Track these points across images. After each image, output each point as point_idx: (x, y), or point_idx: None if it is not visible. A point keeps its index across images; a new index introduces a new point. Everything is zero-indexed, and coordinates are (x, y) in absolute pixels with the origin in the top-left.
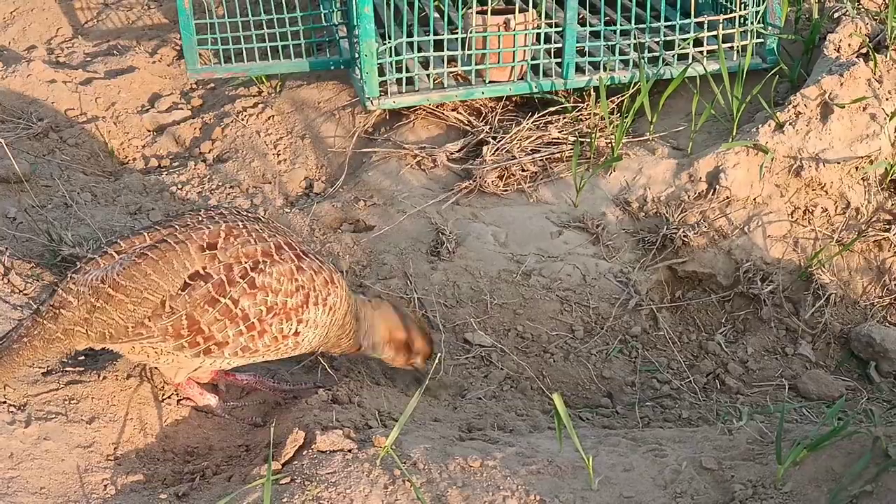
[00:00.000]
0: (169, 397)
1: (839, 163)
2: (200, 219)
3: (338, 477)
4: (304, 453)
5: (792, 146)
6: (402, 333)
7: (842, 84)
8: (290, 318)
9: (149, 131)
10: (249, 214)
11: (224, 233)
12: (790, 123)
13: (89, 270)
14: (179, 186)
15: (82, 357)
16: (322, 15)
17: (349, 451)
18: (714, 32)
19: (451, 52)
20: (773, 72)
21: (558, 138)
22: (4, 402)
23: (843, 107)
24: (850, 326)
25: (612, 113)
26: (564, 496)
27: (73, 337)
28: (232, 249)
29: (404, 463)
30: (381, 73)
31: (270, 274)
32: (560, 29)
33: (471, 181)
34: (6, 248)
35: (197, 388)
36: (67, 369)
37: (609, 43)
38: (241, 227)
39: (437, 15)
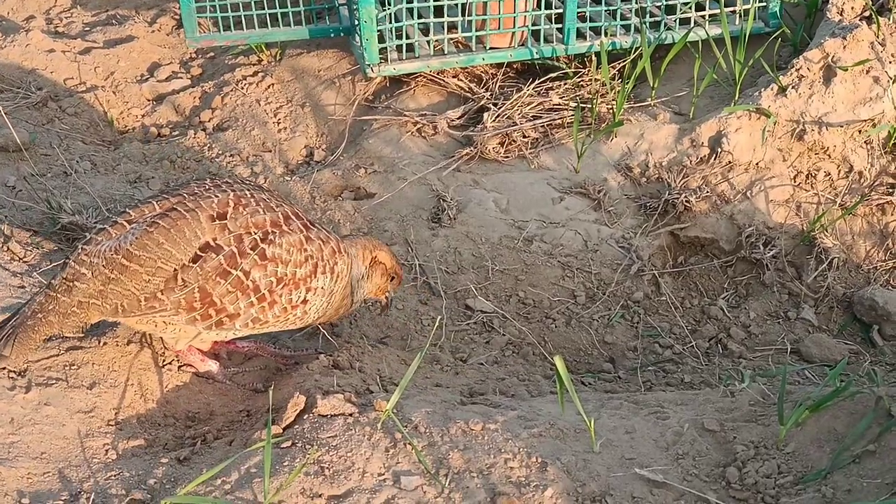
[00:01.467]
0: (169, 363)
1: (842, 126)
2: (208, 187)
3: (339, 440)
4: (304, 417)
5: (795, 110)
6: (381, 253)
7: (845, 47)
8: (298, 288)
9: (148, 100)
10: (253, 184)
11: (233, 202)
12: (793, 87)
13: (101, 241)
14: (179, 155)
15: None
16: None
17: (350, 415)
18: None
19: (451, 19)
20: (775, 35)
21: (559, 104)
22: (4, 368)
23: (846, 70)
24: (852, 290)
25: (613, 78)
26: (566, 458)
27: (87, 310)
28: (241, 219)
29: (405, 426)
30: (381, 39)
31: (280, 245)
32: None
33: (472, 148)
34: (6, 217)
35: (198, 355)
36: (67, 335)
37: (610, 8)
38: (249, 196)
39: None
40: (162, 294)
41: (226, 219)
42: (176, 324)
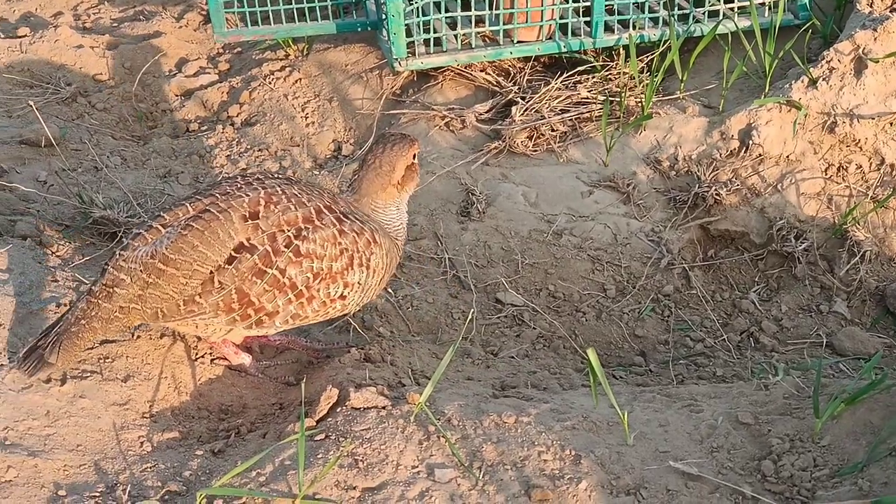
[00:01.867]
0: (202, 356)
1: (873, 118)
2: (239, 185)
3: (372, 433)
4: (337, 410)
5: (825, 102)
6: (407, 156)
7: (875, 39)
8: (335, 282)
9: (176, 96)
10: (284, 177)
11: (264, 200)
12: (823, 79)
13: (137, 246)
14: (208, 150)
15: None
16: None
17: (383, 407)
18: None
19: (478, 12)
20: (805, 27)
21: (587, 98)
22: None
23: (878, 61)
24: (885, 283)
25: (641, 71)
26: (600, 451)
27: (129, 314)
28: (273, 217)
29: (438, 419)
30: (409, 33)
31: (314, 240)
32: None
33: (500, 141)
34: (38, 211)
35: (232, 348)
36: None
37: (638, 0)
38: (280, 192)
39: None
40: (200, 297)
41: (258, 218)
42: (216, 325)
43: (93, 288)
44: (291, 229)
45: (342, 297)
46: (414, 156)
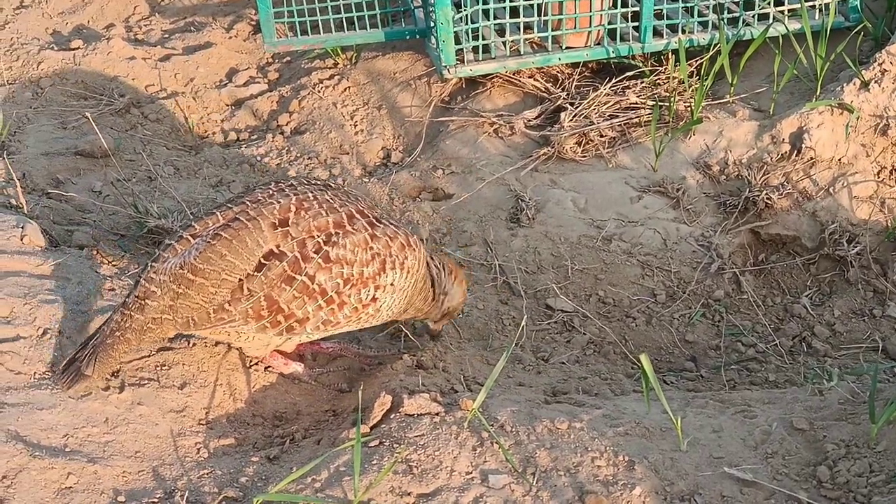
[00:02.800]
0: (256, 364)
1: None
2: (271, 193)
3: (426, 439)
4: (391, 417)
5: (878, 104)
6: (460, 274)
7: None
8: (367, 287)
9: (227, 105)
10: (319, 184)
11: (294, 206)
12: (875, 81)
13: (168, 258)
14: (258, 159)
15: None
16: None
17: (436, 414)
18: None
19: (526, 19)
20: (856, 30)
21: (636, 103)
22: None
23: None
24: None
25: (691, 76)
26: (653, 457)
27: (161, 325)
28: (304, 224)
29: (492, 426)
30: (457, 41)
31: (344, 246)
32: None
33: (549, 147)
34: (94, 221)
35: (281, 359)
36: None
37: (687, 4)
38: (312, 198)
39: None
40: (229, 305)
41: (287, 225)
42: (247, 333)
43: (126, 300)
44: (321, 235)
45: (374, 299)
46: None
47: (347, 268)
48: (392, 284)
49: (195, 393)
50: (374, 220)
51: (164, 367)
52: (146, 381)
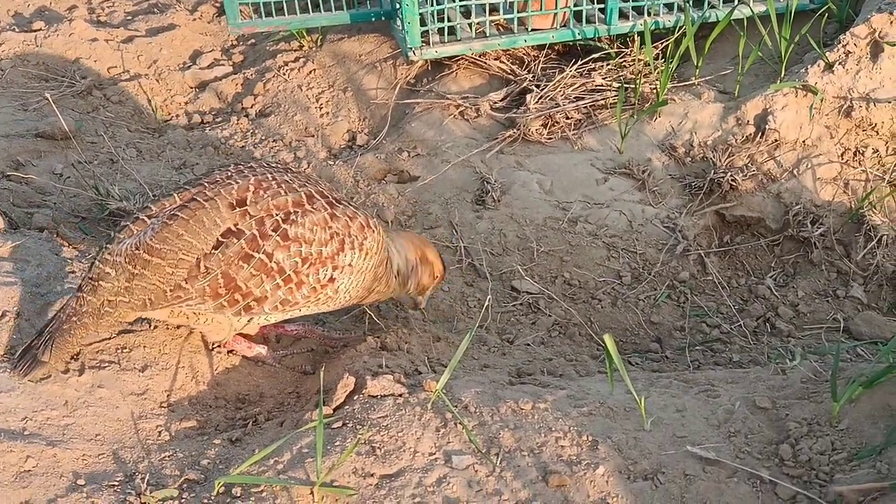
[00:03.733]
0: (219, 347)
1: (890, 102)
2: (229, 174)
3: (389, 420)
4: (354, 398)
5: (842, 86)
6: (431, 252)
7: (891, 22)
8: (325, 266)
9: (191, 88)
10: (279, 166)
11: (253, 187)
12: (840, 63)
13: (123, 239)
14: (223, 141)
15: None
16: None
17: (400, 395)
18: None
19: (492, 1)
20: (820, 12)
21: (602, 85)
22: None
23: (894, 45)
24: None
25: (656, 58)
26: (617, 436)
27: (117, 307)
28: (262, 203)
29: (455, 407)
30: (423, 23)
31: (303, 224)
32: None
33: (515, 130)
34: (55, 203)
35: (244, 343)
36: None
37: None
38: (271, 179)
39: None
40: (186, 283)
41: (246, 204)
42: (206, 314)
43: (81, 284)
44: (280, 213)
45: (332, 279)
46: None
47: (306, 246)
48: (350, 265)
49: (156, 376)
50: (334, 201)
51: (125, 350)
52: (107, 364)
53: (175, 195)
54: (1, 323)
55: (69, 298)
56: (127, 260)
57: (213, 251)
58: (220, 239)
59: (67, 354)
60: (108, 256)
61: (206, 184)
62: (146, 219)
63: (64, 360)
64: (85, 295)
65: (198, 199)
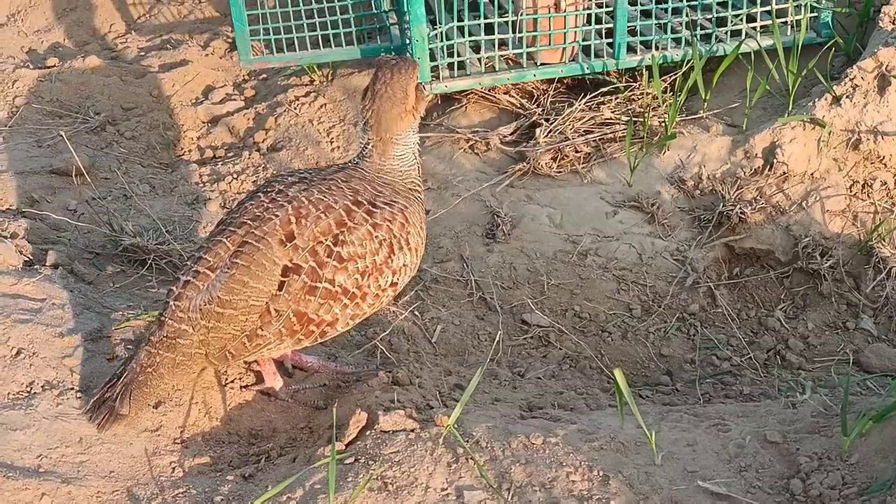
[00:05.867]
0: (232, 381)
1: None
2: (265, 206)
3: (401, 456)
4: (367, 434)
5: (849, 119)
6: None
7: None
8: (383, 273)
9: (203, 123)
10: (297, 180)
11: (294, 217)
12: (847, 96)
13: (192, 295)
14: (235, 176)
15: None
16: (372, 2)
17: (412, 430)
18: (767, 7)
19: (501, 36)
20: (828, 45)
21: (611, 119)
22: (73, 389)
23: None
24: None
25: (664, 92)
26: (628, 471)
27: (194, 360)
28: (308, 232)
29: (467, 441)
30: (433, 58)
31: (352, 242)
32: (611, 9)
33: (524, 163)
34: (69, 240)
35: (272, 367)
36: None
37: (660, 21)
38: (306, 202)
39: None
40: (262, 330)
41: (294, 238)
42: (285, 349)
43: (152, 338)
44: (328, 238)
45: (393, 284)
46: (417, 76)
47: (361, 261)
48: (405, 265)
49: (170, 412)
50: (371, 207)
51: None
52: None
53: (224, 241)
54: (17, 360)
55: (136, 351)
56: (201, 315)
57: (278, 293)
58: (282, 278)
59: (145, 405)
60: (181, 314)
61: (248, 223)
62: (208, 271)
63: (142, 411)
64: (160, 351)
65: (250, 241)
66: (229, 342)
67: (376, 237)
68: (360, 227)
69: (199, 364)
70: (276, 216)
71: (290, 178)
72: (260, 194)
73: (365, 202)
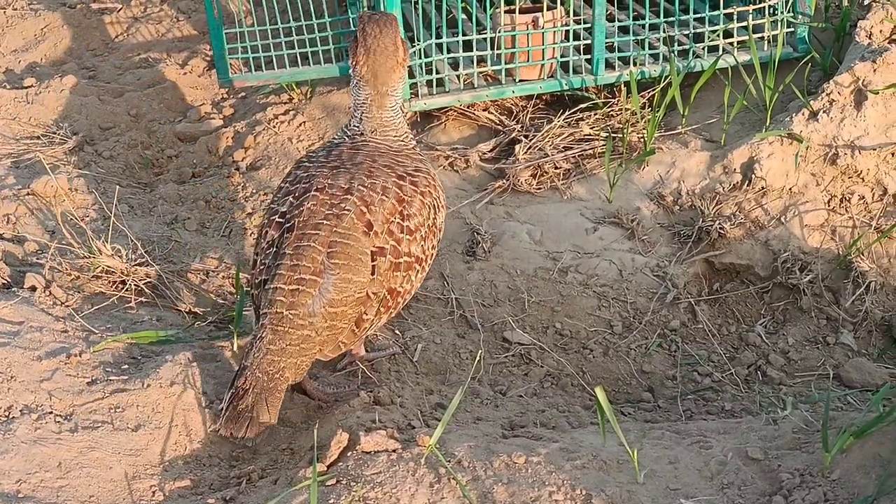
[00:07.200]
0: (212, 403)
1: (875, 149)
2: (323, 202)
3: (383, 477)
4: (348, 455)
5: (827, 134)
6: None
7: (875, 70)
8: (435, 234)
9: (182, 141)
10: (334, 162)
11: (363, 206)
12: (824, 111)
13: (306, 302)
14: (214, 195)
15: (125, 366)
16: (350, 20)
17: (393, 451)
18: (744, 23)
19: (480, 53)
20: (804, 60)
21: (590, 135)
22: (51, 413)
23: (878, 93)
24: (891, 313)
25: (643, 107)
26: (610, 490)
27: (312, 357)
28: (380, 217)
29: (449, 461)
30: (411, 75)
31: (413, 215)
32: (588, 25)
33: (504, 180)
34: (46, 261)
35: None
36: (112, 378)
37: (638, 38)
38: (362, 188)
39: (464, 16)
40: (366, 314)
41: (372, 226)
42: (380, 325)
43: (271, 347)
44: (396, 216)
45: (439, 241)
46: (399, 28)
47: (422, 228)
48: (443, 222)
49: (150, 434)
50: (411, 178)
51: (117, 409)
52: (100, 424)
53: (312, 244)
54: None
55: (255, 358)
56: (322, 318)
57: (372, 277)
58: (372, 263)
59: (279, 408)
60: (301, 321)
61: (325, 222)
62: (315, 277)
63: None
64: (285, 358)
65: (339, 240)
66: (341, 334)
67: (426, 203)
68: (414, 199)
69: (311, 358)
70: (348, 210)
71: (313, 159)
72: (308, 197)
73: (405, 174)
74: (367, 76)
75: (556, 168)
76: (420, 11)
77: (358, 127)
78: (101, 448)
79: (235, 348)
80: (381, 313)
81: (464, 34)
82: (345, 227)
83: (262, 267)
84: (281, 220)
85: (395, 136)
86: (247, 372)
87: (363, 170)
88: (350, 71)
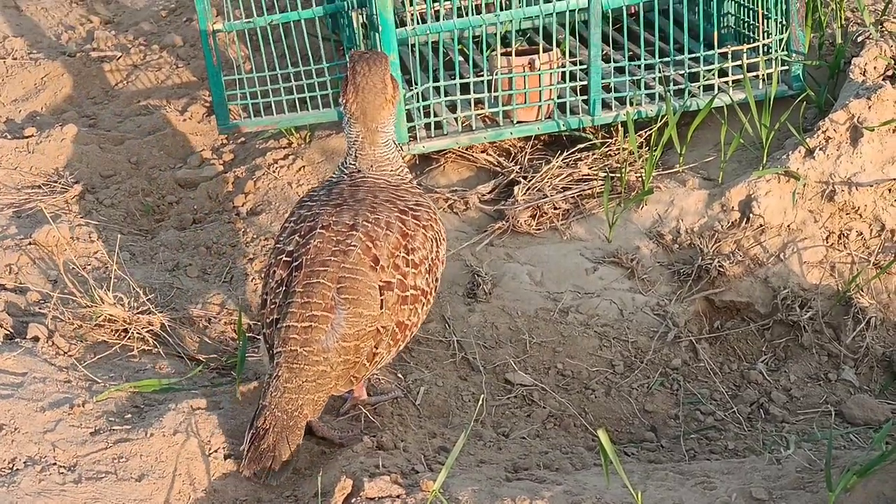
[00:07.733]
0: (215, 451)
1: (872, 186)
2: (332, 239)
3: None
4: (352, 501)
5: (823, 171)
6: (377, 67)
7: (870, 107)
8: (437, 267)
9: (182, 188)
10: (336, 200)
11: (369, 242)
12: (820, 148)
13: (320, 338)
14: (214, 241)
15: (128, 415)
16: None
17: (397, 496)
18: (738, 62)
19: (477, 95)
20: (799, 98)
21: (588, 175)
22: (55, 464)
23: (873, 130)
24: (892, 349)
25: (640, 147)
26: None
27: (329, 393)
28: (384, 250)
29: None
30: (409, 118)
31: (417, 248)
32: (584, 66)
33: (504, 222)
34: (49, 310)
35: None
36: (115, 428)
37: (634, 78)
38: (367, 224)
39: (461, 59)
40: (377, 348)
41: (379, 261)
42: (390, 359)
43: (288, 385)
44: (401, 250)
45: (439, 275)
46: (389, 66)
47: (427, 262)
48: (444, 254)
49: (153, 484)
50: (413, 212)
51: (121, 459)
52: (103, 475)
53: (322, 281)
54: None
55: (272, 398)
56: (336, 353)
57: (381, 311)
58: (380, 297)
59: (300, 445)
60: (316, 357)
61: (332, 259)
62: (327, 314)
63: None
64: (302, 395)
65: (347, 276)
66: (354, 367)
67: (428, 236)
68: (417, 232)
69: (327, 395)
70: (354, 246)
71: (314, 197)
72: (314, 235)
73: (407, 208)
74: (357, 113)
75: (555, 209)
76: (417, 54)
77: (354, 164)
78: (105, 499)
79: (238, 395)
80: (391, 347)
81: (461, 77)
82: (352, 263)
83: (272, 306)
84: (288, 258)
85: (392, 171)
86: (266, 412)
87: (366, 206)
88: (341, 108)
